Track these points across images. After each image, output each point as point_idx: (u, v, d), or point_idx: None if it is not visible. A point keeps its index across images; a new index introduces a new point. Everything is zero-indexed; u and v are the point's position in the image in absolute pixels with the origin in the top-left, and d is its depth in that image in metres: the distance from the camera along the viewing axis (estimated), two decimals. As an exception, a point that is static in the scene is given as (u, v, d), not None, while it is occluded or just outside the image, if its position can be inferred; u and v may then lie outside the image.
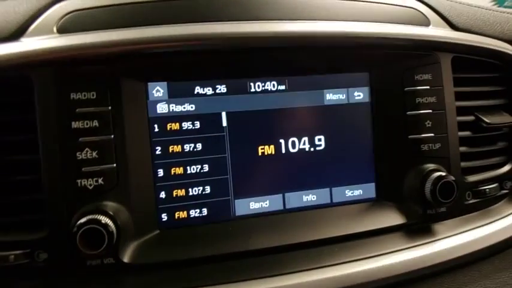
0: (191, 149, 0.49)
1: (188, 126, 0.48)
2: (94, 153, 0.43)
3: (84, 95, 0.43)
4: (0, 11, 0.45)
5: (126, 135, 0.45)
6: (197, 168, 0.49)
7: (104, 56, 0.43)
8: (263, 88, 0.51)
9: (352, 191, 0.54)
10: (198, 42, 0.45)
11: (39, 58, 0.42)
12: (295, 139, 0.52)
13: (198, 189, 0.49)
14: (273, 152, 0.51)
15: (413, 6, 0.56)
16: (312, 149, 0.52)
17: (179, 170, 0.48)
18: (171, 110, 0.48)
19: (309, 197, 0.53)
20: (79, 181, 0.42)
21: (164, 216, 0.48)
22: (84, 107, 0.43)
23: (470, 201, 0.56)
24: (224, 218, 0.50)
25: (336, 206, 0.53)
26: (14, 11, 0.45)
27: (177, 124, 0.48)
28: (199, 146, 0.49)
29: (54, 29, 0.44)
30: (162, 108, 0.48)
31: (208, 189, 0.49)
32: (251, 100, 0.50)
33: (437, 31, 0.55)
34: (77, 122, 0.42)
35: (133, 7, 0.46)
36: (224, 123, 0.50)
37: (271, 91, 0.51)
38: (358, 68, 0.54)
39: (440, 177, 0.50)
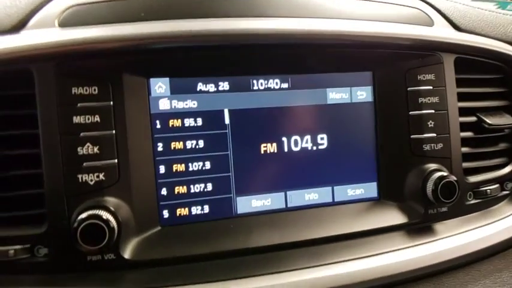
0: (193, 146, 0.48)
1: (190, 123, 0.48)
2: (95, 149, 0.42)
3: (86, 90, 0.42)
4: (1, 4, 0.45)
5: (128, 131, 0.44)
6: (199, 165, 0.49)
7: (106, 51, 0.43)
8: (266, 86, 0.50)
9: (354, 190, 0.54)
10: (200, 38, 0.45)
11: (40, 52, 0.42)
12: (298, 137, 0.52)
13: (200, 187, 0.49)
14: (276, 150, 0.51)
15: (417, 7, 0.56)
16: (314, 148, 0.52)
17: (181, 167, 0.48)
18: (173, 107, 0.48)
19: (311, 196, 0.52)
20: (80, 176, 0.42)
21: (165, 213, 0.48)
22: (86, 101, 0.42)
23: (472, 202, 0.56)
24: (225, 216, 0.49)
25: (338, 204, 0.53)
26: (15, 4, 0.45)
27: (179, 121, 0.48)
28: (201, 143, 0.49)
29: (56, 23, 0.43)
30: (164, 104, 0.47)
31: (210, 186, 0.49)
32: (254, 98, 0.50)
33: (441, 31, 0.55)
34: (78, 117, 0.42)
35: (136, 2, 0.45)
36: (226, 121, 0.49)
37: (274, 89, 0.51)
38: (362, 67, 0.54)
39: (441, 177, 0.50)
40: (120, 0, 0.45)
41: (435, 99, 0.54)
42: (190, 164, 0.48)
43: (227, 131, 0.49)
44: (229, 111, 0.49)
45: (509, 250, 0.53)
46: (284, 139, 0.51)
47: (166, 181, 0.48)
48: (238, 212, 0.50)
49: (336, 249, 0.48)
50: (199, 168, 0.49)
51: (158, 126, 0.47)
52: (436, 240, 0.50)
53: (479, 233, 0.52)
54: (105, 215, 0.40)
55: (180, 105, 0.48)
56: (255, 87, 0.50)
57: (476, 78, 0.59)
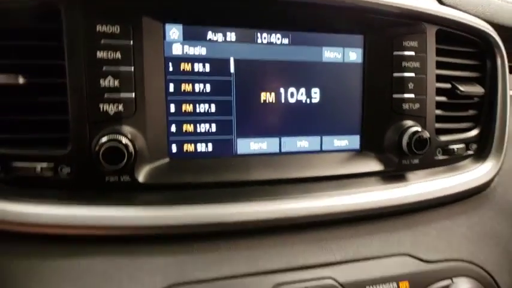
0: (201, 90, 0.54)
1: (199, 69, 0.53)
2: (116, 82, 0.47)
3: (109, 28, 0.47)
4: None
5: (144, 70, 0.49)
6: (205, 107, 0.54)
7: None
8: (269, 40, 0.56)
9: (339, 141, 0.61)
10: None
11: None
12: (294, 90, 0.58)
13: (205, 127, 0.54)
14: (273, 100, 0.57)
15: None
16: (307, 101, 0.59)
17: (189, 108, 0.53)
18: (184, 52, 0.53)
19: (302, 143, 0.59)
20: (101, 106, 0.47)
21: (174, 148, 0.53)
22: (109, 38, 0.47)
23: (440, 158, 0.64)
24: (227, 155, 0.56)
25: (325, 152, 0.60)
26: None
27: (190, 65, 0.53)
28: (208, 87, 0.54)
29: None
30: (177, 49, 0.52)
31: (214, 127, 0.55)
32: (257, 50, 0.55)
33: (427, 4, 0.61)
34: (102, 52, 0.47)
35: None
36: (232, 69, 0.55)
37: (275, 44, 0.56)
38: (354, 30, 0.59)
39: (416, 132, 0.58)
40: None
41: (416, 64, 0.60)
42: (197, 106, 0.54)
43: (231, 78, 0.55)
44: (235, 60, 0.55)
45: (468, 199, 0.62)
46: (282, 90, 0.57)
47: (176, 119, 0.53)
48: (238, 152, 0.56)
49: (323, 186, 0.55)
50: (205, 110, 0.54)
51: (171, 68, 0.52)
52: (407, 185, 0.59)
53: (443, 182, 0.61)
54: (124, 140, 0.46)
55: (191, 51, 0.53)
56: (259, 41, 0.55)
57: (454, 50, 0.65)
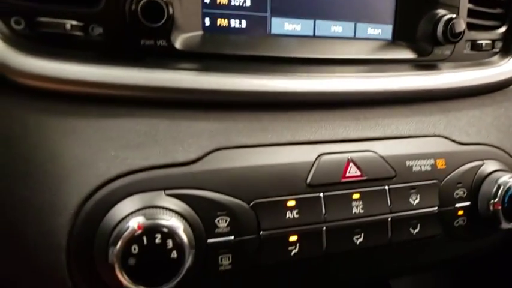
0: (235, -39, 0.50)
1: None
2: None
3: None
4: None
5: None
6: (239, -20, 0.51)
7: None
8: None
9: (373, 29, 0.59)
10: None
11: None
12: (330, -30, 0.55)
13: (239, 0, 0.51)
14: (310, -19, 0.54)
15: None
16: (343, -16, 0.56)
17: (224, -21, 0.50)
18: None
19: (336, 28, 0.57)
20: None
21: (207, 21, 0.50)
22: None
23: (468, 52, 0.63)
24: (261, 34, 0.53)
25: (358, 40, 0.58)
26: None
27: None
28: (243, -42, 0.50)
29: None
30: None
31: (248, 2, 0.52)
32: None
33: None
34: None
35: None
36: None
37: None
38: None
39: (451, 18, 0.56)
40: None
41: (452, -48, 0.58)
42: (232, -23, 0.50)
43: (269, -47, 0.51)
44: None
45: (494, 92, 0.63)
46: (318, -32, 0.54)
47: (210, -10, 0.50)
48: (272, 31, 0.54)
49: (358, 69, 0.54)
50: (240, -17, 0.51)
51: None
52: (438, 73, 0.58)
53: (472, 73, 0.61)
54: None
55: None
56: None
57: None
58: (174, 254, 0.37)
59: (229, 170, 0.43)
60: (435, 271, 0.92)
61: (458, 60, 0.63)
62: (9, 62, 0.39)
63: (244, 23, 0.52)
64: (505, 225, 0.54)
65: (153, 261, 0.37)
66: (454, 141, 0.56)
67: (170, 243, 0.37)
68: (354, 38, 0.58)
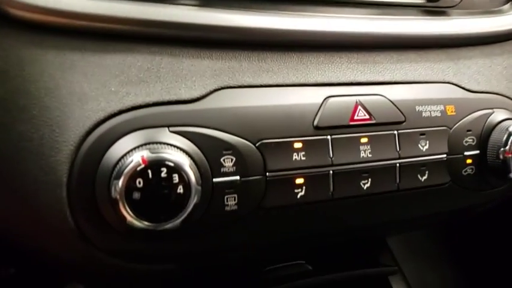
0: None
1: None
2: None
3: None
4: None
5: None
6: None
7: None
8: None
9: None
10: None
11: None
12: None
13: None
14: None
15: None
16: None
17: None
18: None
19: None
20: None
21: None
22: None
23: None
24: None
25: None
26: None
27: None
28: None
29: None
30: None
31: None
32: None
33: None
34: None
35: None
36: None
37: None
38: None
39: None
40: None
41: None
42: None
43: None
44: None
45: (505, 42, 0.61)
46: None
47: None
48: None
49: (365, 10, 0.52)
50: None
51: None
52: (448, 19, 0.56)
53: (482, 21, 0.58)
54: None
55: None
56: None
57: None
58: (181, 189, 0.36)
59: (234, 109, 0.42)
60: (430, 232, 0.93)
61: (468, 8, 0.61)
62: (0, -8, 0.37)
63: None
64: (514, 174, 0.54)
65: (158, 195, 0.36)
66: (463, 88, 0.54)
67: (176, 177, 0.36)
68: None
